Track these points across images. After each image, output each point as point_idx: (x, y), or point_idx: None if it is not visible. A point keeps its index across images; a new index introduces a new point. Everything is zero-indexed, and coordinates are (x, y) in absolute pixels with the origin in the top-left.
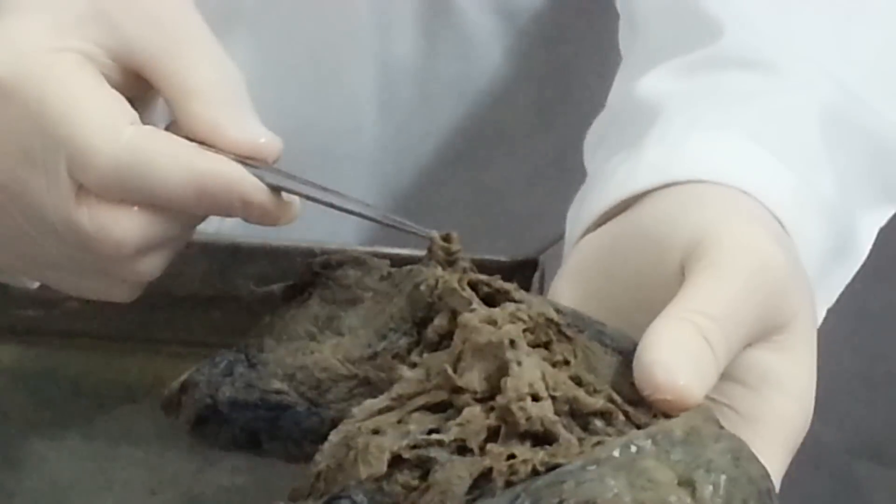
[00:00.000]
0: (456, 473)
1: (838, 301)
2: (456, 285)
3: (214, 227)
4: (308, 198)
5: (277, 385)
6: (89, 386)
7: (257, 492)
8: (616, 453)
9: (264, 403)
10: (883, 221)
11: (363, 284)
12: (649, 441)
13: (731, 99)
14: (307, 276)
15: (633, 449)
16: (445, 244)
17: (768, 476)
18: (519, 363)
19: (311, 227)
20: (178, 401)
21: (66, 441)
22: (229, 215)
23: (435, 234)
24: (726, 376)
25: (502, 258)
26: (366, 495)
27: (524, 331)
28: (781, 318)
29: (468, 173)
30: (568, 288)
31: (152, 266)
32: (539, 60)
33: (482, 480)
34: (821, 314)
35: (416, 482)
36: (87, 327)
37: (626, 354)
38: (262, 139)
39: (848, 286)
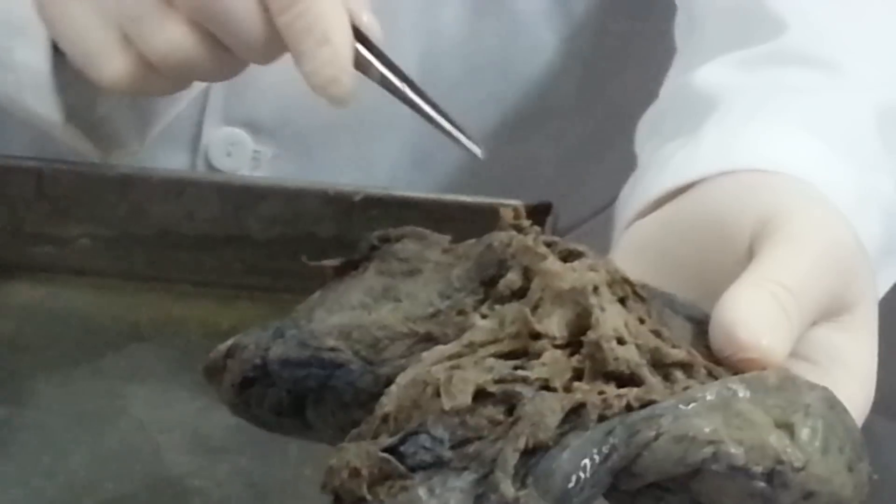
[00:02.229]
0: (548, 406)
1: None
2: (531, 243)
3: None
4: (384, 77)
5: (332, 343)
6: (99, 324)
7: (262, 432)
8: (710, 396)
9: (317, 361)
10: None
11: (423, 257)
12: (743, 385)
13: (791, 93)
14: (364, 251)
15: (728, 392)
16: (516, 221)
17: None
18: (602, 309)
19: (339, 176)
20: (224, 365)
21: (74, 378)
22: (295, 52)
23: (477, 151)
24: (793, 353)
25: (516, 202)
26: (446, 429)
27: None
28: (849, 298)
29: (503, 150)
30: None
31: (165, 57)
32: (584, 43)
33: (572, 415)
34: None
35: (501, 417)
36: (98, 266)
37: (698, 321)
38: (366, 18)
39: None
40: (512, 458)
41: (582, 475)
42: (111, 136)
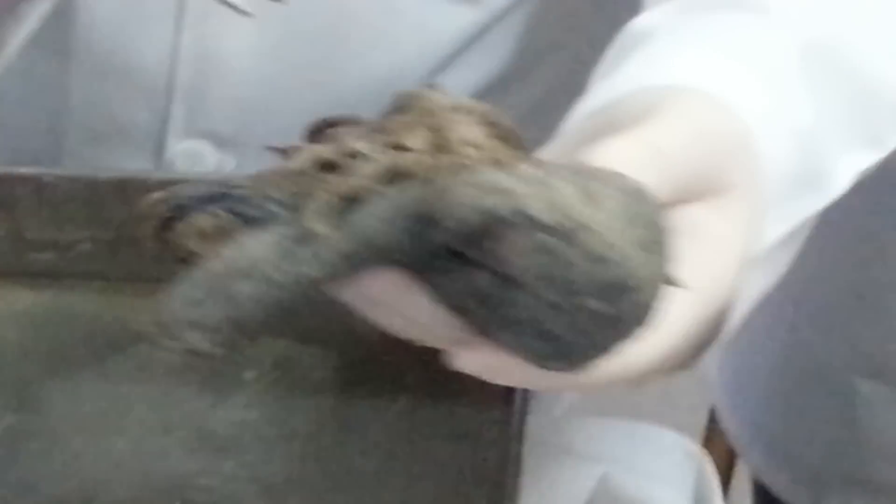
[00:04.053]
0: (373, 163)
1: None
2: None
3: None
4: None
5: None
6: (103, 328)
7: (270, 426)
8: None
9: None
10: (863, 166)
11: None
12: (563, 168)
13: (716, 29)
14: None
15: (542, 173)
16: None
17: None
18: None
19: None
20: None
21: (80, 382)
22: None
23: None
24: None
25: None
26: (281, 191)
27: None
28: (719, 183)
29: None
30: None
31: None
32: None
33: (399, 177)
34: (773, 234)
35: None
36: (100, 269)
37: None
38: None
39: None
40: (322, 200)
41: (389, 216)
42: None
